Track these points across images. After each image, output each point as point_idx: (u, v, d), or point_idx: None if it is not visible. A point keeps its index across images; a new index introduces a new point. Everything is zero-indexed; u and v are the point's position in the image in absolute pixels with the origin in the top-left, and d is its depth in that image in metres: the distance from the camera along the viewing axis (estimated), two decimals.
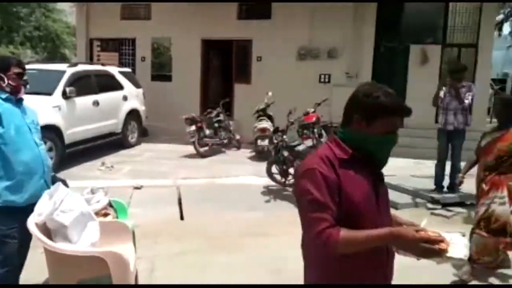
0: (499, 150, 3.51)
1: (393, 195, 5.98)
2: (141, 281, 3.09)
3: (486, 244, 3.56)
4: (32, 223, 2.47)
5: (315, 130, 8.06)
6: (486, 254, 3.59)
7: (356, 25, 9.92)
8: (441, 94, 5.78)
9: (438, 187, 6.00)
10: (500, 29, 18.33)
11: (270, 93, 8.79)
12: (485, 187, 3.58)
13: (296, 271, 2.95)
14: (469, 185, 4.29)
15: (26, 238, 2.64)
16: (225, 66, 11.80)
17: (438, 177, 6.02)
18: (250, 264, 3.61)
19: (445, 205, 5.64)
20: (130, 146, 9.17)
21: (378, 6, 9.79)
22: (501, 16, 16.99)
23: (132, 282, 2.59)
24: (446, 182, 5.99)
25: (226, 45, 11.15)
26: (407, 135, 9.39)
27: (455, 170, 5.74)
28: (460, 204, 5.68)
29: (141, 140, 9.66)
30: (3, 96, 2.64)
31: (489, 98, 11.80)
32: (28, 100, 7.02)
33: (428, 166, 6.91)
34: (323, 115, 8.68)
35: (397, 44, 9.95)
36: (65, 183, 2.84)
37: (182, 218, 5.13)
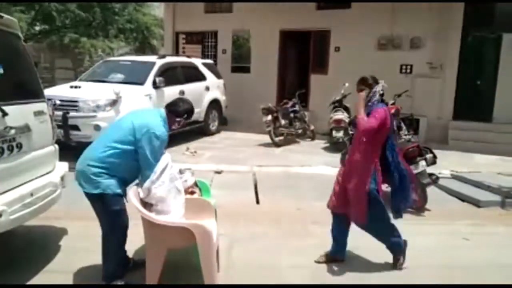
0: None
1: (476, 192, 5.73)
2: (220, 258, 3.39)
3: None
4: (133, 195, 2.86)
5: (394, 123, 7.87)
6: None
7: (442, 12, 9.41)
8: None
9: None
10: None
11: (347, 84, 8.71)
12: None
13: (359, 259, 2.99)
14: None
15: None
16: (302, 56, 11.87)
17: None
18: (319, 250, 3.75)
19: None
20: (211, 133, 9.70)
21: None
22: None
23: (215, 254, 2.88)
24: None
25: (303, 36, 11.22)
26: (491, 130, 8.77)
27: None
28: None
29: (221, 128, 10.15)
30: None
31: None
32: (124, 89, 7.72)
33: None
34: (404, 107, 8.43)
35: (488, 32, 9.25)
36: None
37: (258, 202, 5.42)
